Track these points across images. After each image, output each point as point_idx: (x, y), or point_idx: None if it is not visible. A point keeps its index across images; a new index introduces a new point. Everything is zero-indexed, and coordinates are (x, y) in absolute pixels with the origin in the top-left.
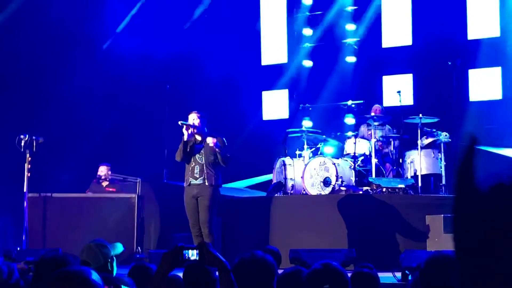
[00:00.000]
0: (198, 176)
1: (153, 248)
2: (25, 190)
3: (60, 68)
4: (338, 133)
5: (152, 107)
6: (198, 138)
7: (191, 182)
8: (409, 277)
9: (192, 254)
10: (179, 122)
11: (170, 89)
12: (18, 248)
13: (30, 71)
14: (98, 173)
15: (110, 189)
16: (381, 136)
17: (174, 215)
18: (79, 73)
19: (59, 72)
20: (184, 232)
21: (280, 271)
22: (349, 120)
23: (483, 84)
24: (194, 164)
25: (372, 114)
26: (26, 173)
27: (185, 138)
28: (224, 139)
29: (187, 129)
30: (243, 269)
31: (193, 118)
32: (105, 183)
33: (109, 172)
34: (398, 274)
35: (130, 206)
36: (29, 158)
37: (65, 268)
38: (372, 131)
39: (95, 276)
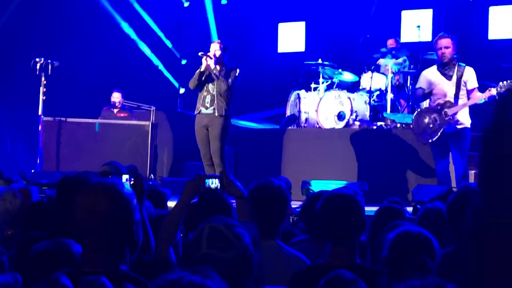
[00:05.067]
0: (208, 106)
1: (166, 176)
2: (40, 114)
3: None
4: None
5: (167, 35)
6: (217, 67)
7: (201, 111)
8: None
9: (214, 183)
10: (199, 53)
11: (186, 19)
12: (33, 171)
13: None
14: (112, 99)
15: (122, 115)
16: (398, 70)
17: (187, 144)
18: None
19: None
20: (196, 161)
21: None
22: (366, 54)
23: (504, 22)
24: (206, 93)
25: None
26: (41, 96)
27: (202, 68)
28: (238, 70)
29: (206, 60)
30: (260, 195)
31: (215, 49)
32: (116, 110)
33: (122, 99)
34: (409, 209)
35: (144, 134)
36: (44, 82)
37: (100, 179)
38: (390, 65)
39: (127, 189)
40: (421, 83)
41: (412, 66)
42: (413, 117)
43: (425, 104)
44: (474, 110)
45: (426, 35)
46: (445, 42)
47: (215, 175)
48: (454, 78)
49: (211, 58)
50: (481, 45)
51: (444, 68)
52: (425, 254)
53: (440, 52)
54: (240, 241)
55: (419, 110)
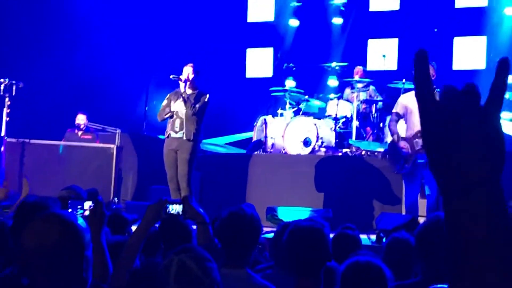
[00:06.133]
0: (178, 130)
1: (130, 199)
2: (3, 135)
3: (42, 14)
4: (321, 94)
5: (135, 59)
6: (189, 91)
7: (171, 135)
8: (384, 240)
9: (176, 208)
10: (171, 76)
11: (156, 43)
12: None
13: (13, 15)
14: (77, 121)
15: (86, 137)
16: (365, 99)
17: (152, 167)
18: (61, 20)
19: (42, 17)
20: (162, 184)
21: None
22: (332, 82)
23: (468, 53)
24: (175, 117)
25: (356, 77)
26: (4, 117)
27: (182, 89)
28: (208, 95)
29: (178, 81)
30: (232, 222)
31: (188, 72)
32: (80, 132)
33: (87, 121)
34: (373, 237)
35: (109, 157)
36: (8, 102)
37: (53, 210)
38: (356, 93)
39: (81, 221)
40: (397, 108)
41: (377, 94)
42: (388, 146)
43: (402, 132)
44: None
45: (391, 64)
46: None
47: (177, 200)
48: None
49: (183, 82)
50: (445, 75)
51: None
52: (376, 285)
53: None
54: (209, 277)
55: (395, 138)
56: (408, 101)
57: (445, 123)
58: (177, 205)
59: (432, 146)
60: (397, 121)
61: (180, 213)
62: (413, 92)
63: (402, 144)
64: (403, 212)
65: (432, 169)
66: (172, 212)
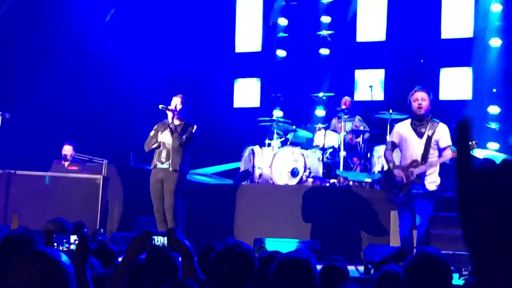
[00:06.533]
0: (164, 161)
1: (116, 231)
2: None
3: (29, 44)
4: (308, 125)
5: (122, 89)
6: (176, 122)
7: (157, 165)
8: (371, 271)
9: (161, 240)
10: (160, 106)
11: (143, 73)
12: None
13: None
14: (63, 152)
15: (72, 168)
16: (351, 129)
17: (138, 198)
18: (48, 50)
19: (29, 50)
20: (148, 216)
21: None
22: (320, 112)
23: (454, 84)
24: (162, 147)
25: (343, 107)
26: None
27: (170, 119)
28: (195, 126)
29: (167, 111)
30: (227, 257)
31: (176, 103)
32: (66, 163)
33: (73, 152)
34: (361, 268)
35: (95, 187)
36: None
37: (36, 248)
38: (342, 123)
39: (65, 259)
40: (393, 136)
41: (364, 124)
42: (382, 174)
43: (397, 161)
44: (442, 170)
45: (378, 95)
46: (422, 94)
47: (162, 232)
48: (425, 136)
49: (172, 112)
50: (432, 106)
51: (417, 124)
52: None
53: (417, 104)
54: None
55: (390, 166)
56: (403, 130)
57: (483, 190)
58: (162, 237)
59: (468, 213)
60: (392, 150)
61: (166, 245)
62: (408, 121)
63: (397, 172)
64: (391, 243)
65: (467, 239)
66: (157, 244)
